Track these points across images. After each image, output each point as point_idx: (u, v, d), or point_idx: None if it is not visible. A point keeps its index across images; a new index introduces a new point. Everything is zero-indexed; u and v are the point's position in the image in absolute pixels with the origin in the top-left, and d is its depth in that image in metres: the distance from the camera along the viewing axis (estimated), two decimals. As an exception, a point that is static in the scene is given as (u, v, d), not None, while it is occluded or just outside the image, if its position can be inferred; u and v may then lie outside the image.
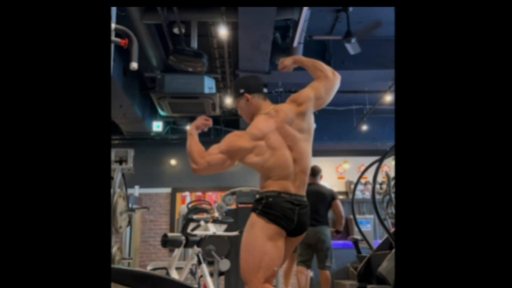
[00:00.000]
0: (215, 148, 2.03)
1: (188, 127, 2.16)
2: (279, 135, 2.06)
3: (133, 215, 5.82)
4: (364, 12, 4.79)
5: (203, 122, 2.17)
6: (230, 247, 3.93)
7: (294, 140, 2.07)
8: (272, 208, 1.96)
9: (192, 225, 4.31)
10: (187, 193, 7.26)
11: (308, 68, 2.28)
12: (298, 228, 2.02)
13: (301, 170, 2.05)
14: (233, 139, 2.04)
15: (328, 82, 2.19)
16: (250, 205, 2.11)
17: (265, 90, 2.23)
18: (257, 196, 2.07)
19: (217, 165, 2.01)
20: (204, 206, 5.59)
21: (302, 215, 2.02)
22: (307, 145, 2.11)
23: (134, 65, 2.11)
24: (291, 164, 2.03)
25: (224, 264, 3.70)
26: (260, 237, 1.95)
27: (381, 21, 4.72)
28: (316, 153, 9.03)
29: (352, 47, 4.71)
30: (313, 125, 2.16)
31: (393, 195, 4.66)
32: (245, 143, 2.02)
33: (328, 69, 2.23)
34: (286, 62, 2.31)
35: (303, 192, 2.08)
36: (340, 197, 7.72)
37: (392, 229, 3.97)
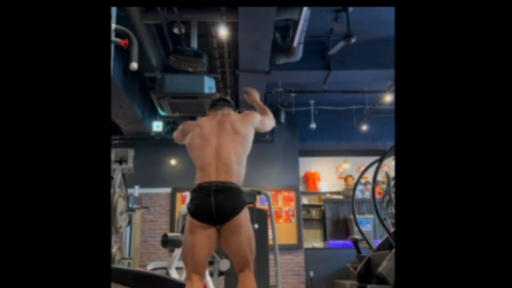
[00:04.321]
0: (180, 125, 2.55)
1: None
2: (214, 129, 2.34)
3: (133, 215, 5.82)
4: (364, 12, 4.79)
5: None
6: (230, 247, 3.92)
7: (226, 135, 2.30)
8: (191, 202, 2.19)
9: (192, 225, 4.29)
10: (187, 193, 7.25)
11: (258, 109, 2.73)
12: (220, 215, 2.10)
13: (222, 162, 2.21)
14: (186, 122, 2.54)
15: (265, 120, 2.60)
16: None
17: (216, 105, 2.56)
18: None
19: (175, 137, 2.57)
20: (204, 206, 5.57)
21: (219, 201, 2.10)
22: (235, 145, 2.29)
23: (134, 65, 2.11)
24: (213, 153, 2.24)
25: (224, 264, 3.69)
26: (184, 231, 2.20)
27: (381, 21, 4.71)
28: (316, 153, 9.02)
29: (338, 47, 4.72)
30: (250, 139, 2.42)
31: (393, 195, 4.66)
32: (188, 126, 2.47)
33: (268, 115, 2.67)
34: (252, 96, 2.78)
35: (227, 178, 2.17)
36: (340, 197, 7.75)
37: (392, 229, 3.97)
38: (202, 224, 2.12)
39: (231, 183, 2.16)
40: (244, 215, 2.16)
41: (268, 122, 2.63)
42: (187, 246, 2.15)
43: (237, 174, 2.23)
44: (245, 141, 2.36)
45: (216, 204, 2.09)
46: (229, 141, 2.28)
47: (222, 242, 2.18)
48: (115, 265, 3.78)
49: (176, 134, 2.56)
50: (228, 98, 2.66)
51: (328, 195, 7.95)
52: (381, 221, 3.65)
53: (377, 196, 5.03)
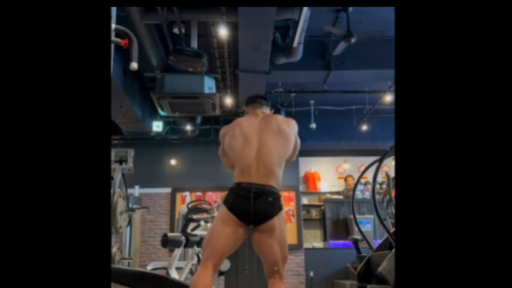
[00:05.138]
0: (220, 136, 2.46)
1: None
2: (255, 128, 2.28)
3: (133, 215, 5.82)
4: (364, 12, 4.79)
5: None
6: (230, 247, 3.92)
7: (269, 135, 2.25)
8: (228, 196, 2.18)
9: (192, 225, 4.31)
10: (187, 193, 7.26)
11: None
12: (257, 216, 2.09)
13: (263, 164, 2.18)
14: (223, 128, 2.44)
15: (298, 141, 2.47)
16: None
17: (255, 102, 2.50)
18: None
19: (220, 154, 2.45)
20: (204, 206, 5.59)
21: (258, 203, 2.09)
22: (277, 146, 2.25)
23: (134, 65, 2.11)
24: (254, 153, 2.20)
25: (224, 264, 3.70)
26: (215, 220, 2.21)
27: (381, 21, 4.71)
28: (316, 153, 8.98)
29: (341, 47, 4.71)
30: (293, 143, 2.35)
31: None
32: (225, 129, 2.40)
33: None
34: None
35: (267, 181, 2.16)
36: (340, 197, 7.75)
37: (392, 229, 3.97)
38: (238, 220, 2.12)
39: (270, 187, 2.15)
40: (278, 220, 2.13)
41: (296, 152, 2.45)
42: (213, 234, 2.14)
43: (277, 177, 2.21)
44: (288, 143, 2.30)
45: (255, 206, 2.09)
46: (271, 141, 2.24)
47: (254, 244, 2.16)
48: (115, 265, 3.78)
49: (220, 150, 2.44)
50: (265, 96, 2.67)
51: (328, 195, 7.95)
52: (381, 221, 3.64)
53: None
